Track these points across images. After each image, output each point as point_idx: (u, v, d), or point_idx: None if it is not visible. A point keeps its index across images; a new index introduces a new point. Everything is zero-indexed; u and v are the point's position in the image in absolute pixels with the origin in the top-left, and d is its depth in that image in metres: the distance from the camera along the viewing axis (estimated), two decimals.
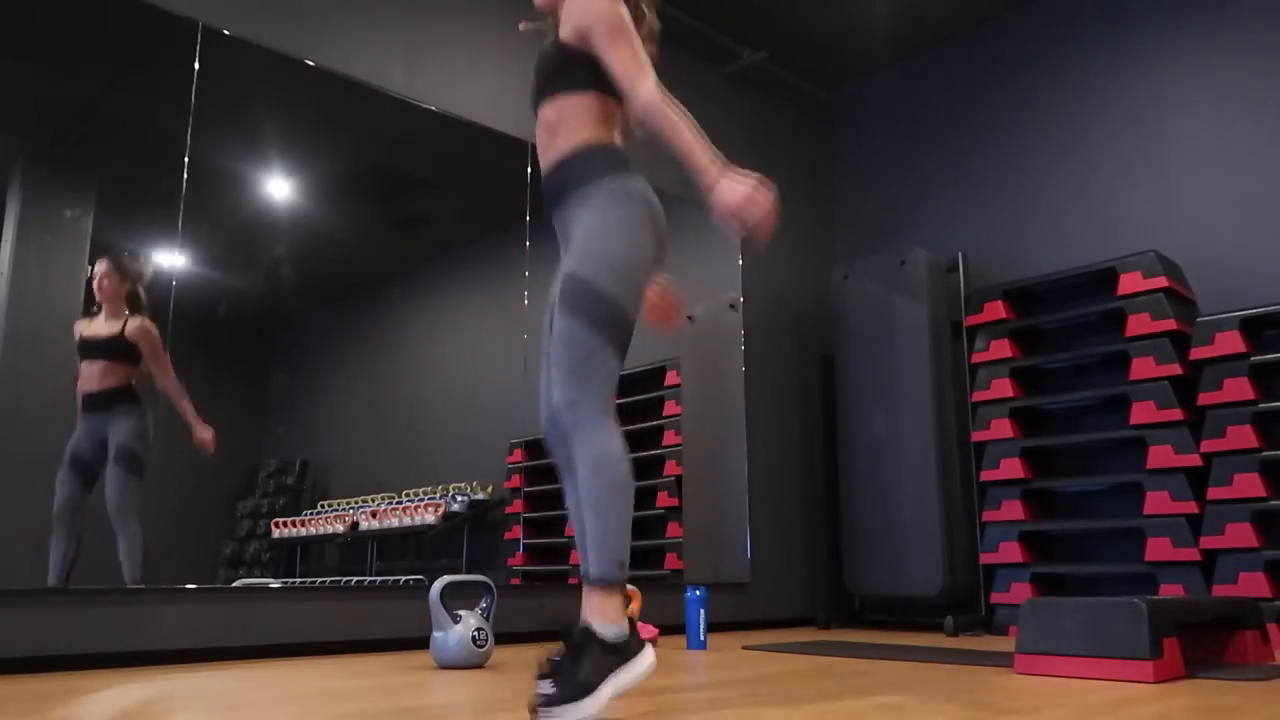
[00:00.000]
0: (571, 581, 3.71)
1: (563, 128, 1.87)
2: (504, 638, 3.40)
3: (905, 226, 4.92)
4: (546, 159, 1.92)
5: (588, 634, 1.61)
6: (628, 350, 1.82)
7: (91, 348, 2.72)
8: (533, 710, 1.54)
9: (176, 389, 2.80)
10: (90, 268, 2.74)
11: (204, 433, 2.83)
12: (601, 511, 1.67)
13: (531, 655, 2.90)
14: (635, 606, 2.96)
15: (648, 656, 1.66)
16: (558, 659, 1.65)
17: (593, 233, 1.77)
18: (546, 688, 1.59)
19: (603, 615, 1.63)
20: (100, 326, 2.74)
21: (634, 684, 1.63)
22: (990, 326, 4.16)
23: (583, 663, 1.59)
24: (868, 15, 4.64)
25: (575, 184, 1.84)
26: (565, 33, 1.88)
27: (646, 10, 1.99)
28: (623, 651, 1.62)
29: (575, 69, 1.86)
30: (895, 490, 4.15)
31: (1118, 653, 2.17)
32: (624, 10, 1.84)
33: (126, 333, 2.76)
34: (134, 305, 2.79)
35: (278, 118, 3.22)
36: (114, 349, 2.74)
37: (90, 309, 2.73)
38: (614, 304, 1.74)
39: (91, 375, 2.71)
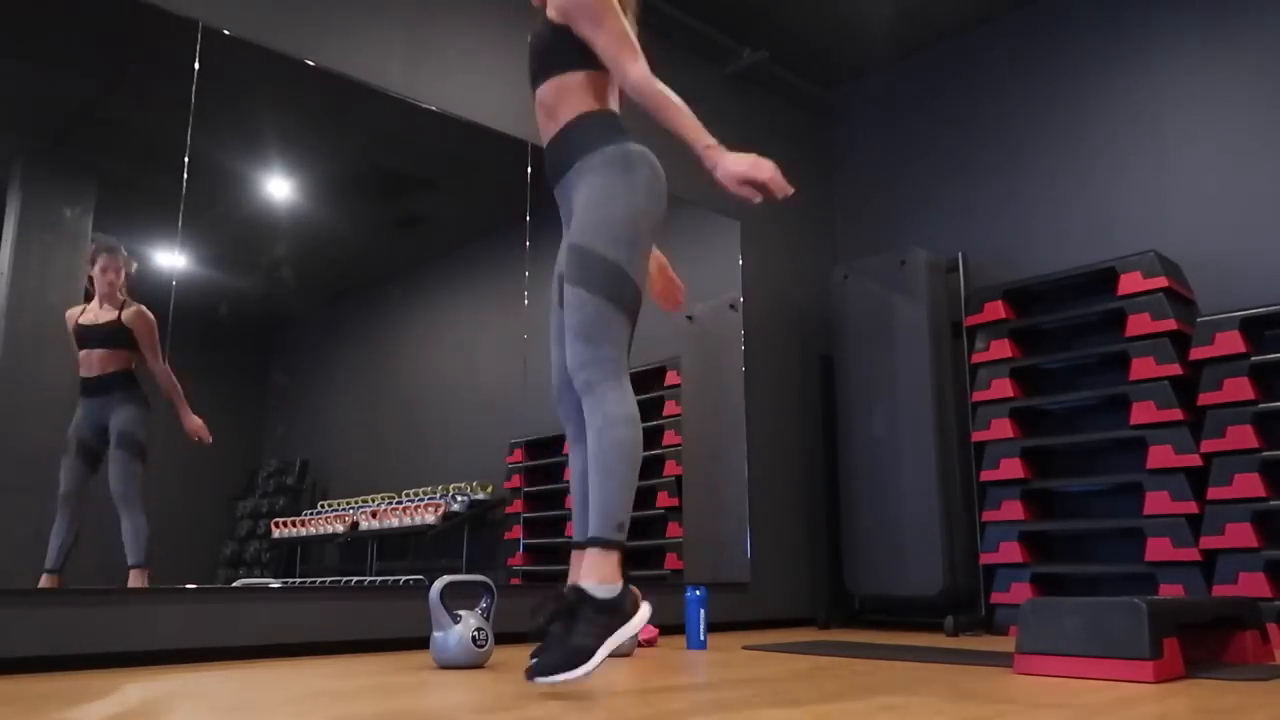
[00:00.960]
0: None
1: (560, 105, 1.92)
2: (504, 638, 3.40)
3: (905, 226, 4.92)
4: (547, 136, 1.96)
5: (581, 594, 1.61)
6: (637, 314, 1.83)
7: (89, 336, 2.73)
8: (529, 674, 1.54)
9: (167, 377, 2.81)
10: (91, 262, 2.75)
11: (193, 423, 2.83)
12: (607, 471, 1.68)
13: (529, 655, 2.90)
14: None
15: (644, 611, 1.67)
16: (551, 621, 1.65)
17: (592, 200, 1.81)
18: (542, 653, 1.59)
19: (598, 575, 1.62)
20: (96, 314, 2.75)
21: (632, 638, 1.63)
22: (990, 326, 4.17)
23: (578, 626, 1.59)
24: (867, 15, 4.64)
25: (574, 153, 1.87)
26: (551, 13, 1.92)
27: None
28: (618, 609, 1.62)
29: (567, 48, 1.90)
30: (895, 490, 4.15)
31: (1118, 653, 2.17)
32: None
33: (124, 319, 2.78)
34: (130, 294, 2.80)
35: (278, 118, 3.22)
36: (112, 336, 2.75)
37: (85, 299, 2.74)
38: (618, 269, 1.77)
39: (90, 362, 2.72)
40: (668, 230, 4.37)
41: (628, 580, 1.70)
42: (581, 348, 1.75)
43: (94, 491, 2.69)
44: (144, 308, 2.82)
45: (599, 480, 1.69)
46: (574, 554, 1.99)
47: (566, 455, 3.93)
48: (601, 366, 1.74)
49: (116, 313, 2.78)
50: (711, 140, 1.84)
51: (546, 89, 1.94)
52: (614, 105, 1.99)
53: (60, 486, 2.62)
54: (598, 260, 1.77)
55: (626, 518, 1.70)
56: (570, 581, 1.93)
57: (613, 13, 1.85)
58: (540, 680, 1.52)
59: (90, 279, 2.73)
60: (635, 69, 1.82)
